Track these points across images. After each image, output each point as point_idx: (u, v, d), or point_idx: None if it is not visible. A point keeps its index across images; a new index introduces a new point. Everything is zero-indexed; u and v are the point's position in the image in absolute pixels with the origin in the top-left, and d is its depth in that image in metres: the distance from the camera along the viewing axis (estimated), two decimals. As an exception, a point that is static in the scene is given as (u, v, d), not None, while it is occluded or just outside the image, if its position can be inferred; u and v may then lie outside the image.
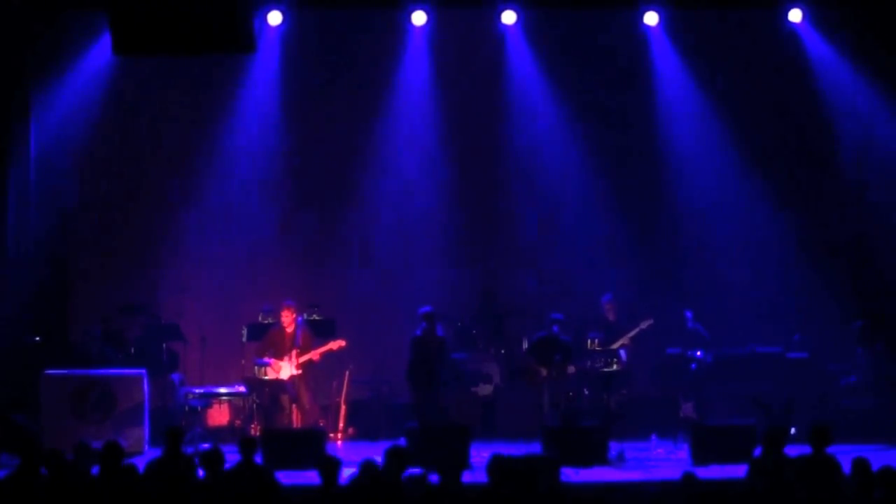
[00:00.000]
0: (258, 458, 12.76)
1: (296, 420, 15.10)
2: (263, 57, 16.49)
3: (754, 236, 17.26)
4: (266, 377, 15.13)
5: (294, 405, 15.12)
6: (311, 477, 9.86)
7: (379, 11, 16.72)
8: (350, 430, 15.76)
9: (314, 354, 15.23)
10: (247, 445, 10.34)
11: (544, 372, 15.12)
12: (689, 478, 9.48)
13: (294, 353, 15.16)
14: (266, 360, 15.19)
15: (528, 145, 17.37)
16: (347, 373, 15.87)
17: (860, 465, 9.52)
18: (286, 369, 15.12)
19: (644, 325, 15.76)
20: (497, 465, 9.42)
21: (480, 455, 13.25)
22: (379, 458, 9.68)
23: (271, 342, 15.33)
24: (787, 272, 17.06)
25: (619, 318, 16.00)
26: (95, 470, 9.97)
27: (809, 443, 10.51)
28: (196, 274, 16.90)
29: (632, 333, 15.76)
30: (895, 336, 15.89)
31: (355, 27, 16.76)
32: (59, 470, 9.64)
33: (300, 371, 15.17)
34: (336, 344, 15.20)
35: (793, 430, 11.41)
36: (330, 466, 9.64)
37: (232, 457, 10.27)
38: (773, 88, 17.07)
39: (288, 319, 15.27)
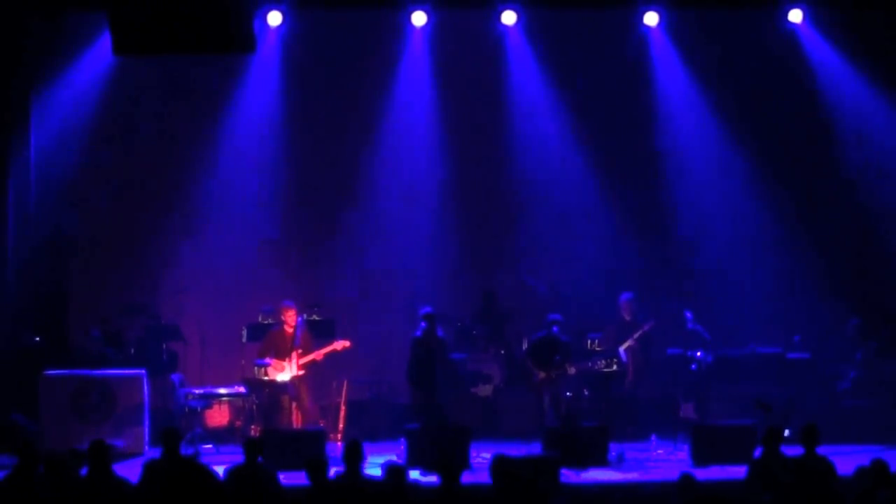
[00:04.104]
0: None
1: (296, 420, 15.10)
2: (263, 57, 16.48)
3: (754, 236, 17.27)
4: (266, 378, 15.13)
5: (294, 405, 15.12)
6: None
7: (379, 11, 16.71)
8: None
9: (317, 355, 15.22)
10: (251, 447, 10.35)
11: (542, 374, 15.11)
12: (686, 479, 9.48)
13: (296, 353, 15.16)
14: (267, 360, 15.18)
15: (529, 145, 17.37)
16: (347, 375, 15.90)
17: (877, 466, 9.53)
18: (288, 370, 15.11)
19: (647, 326, 15.80)
20: (500, 465, 9.43)
21: (480, 455, 13.28)
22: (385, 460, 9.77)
23: (272, 343, 15.32)
24: (787, 272, 17.07)
25: (635, 318, 16.00)
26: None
27: (800, 443, 10.54)
28: (196, 274, 16.89)
29: (635, 335, 15.79)
30: (889, 334, 15.92)
31: (355, 27, 16.76)
32: (56, 471, 9.64)
33: (303, 371, 15.17)
34: (340, 344, 15.19)
35: (787, 432, 11.41)
36: (317, 466, 9.66)
37: (233, 457, 10.29)
38: (772, 88, 17.06)
39: (290, 320, 15.26)
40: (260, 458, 10.29)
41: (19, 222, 15.96)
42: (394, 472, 9.71)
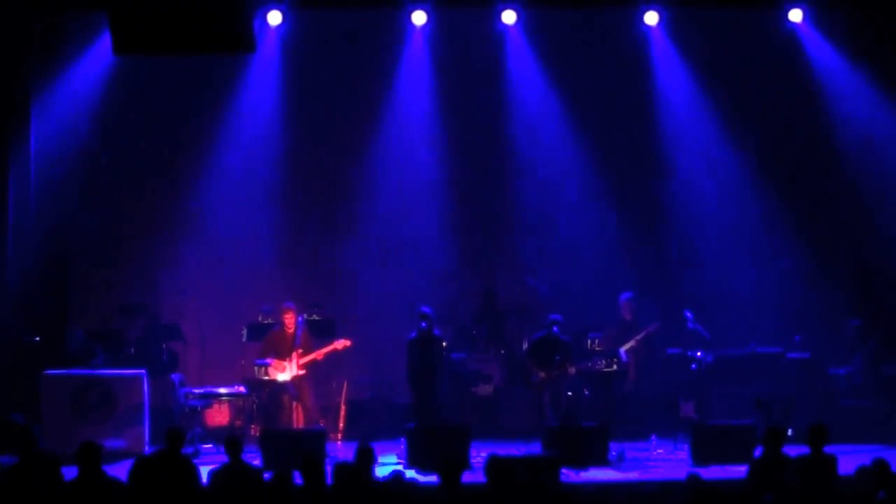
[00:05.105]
0: (256, 458, 12.83)
1: (297, 420, 15.10)
2: (263, 57, 16.48)
3: (754, 236, 17.27)
4: (266, 377, 15.14)
5: (296, 405, 15.13)
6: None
7: (379, 11, 16.71)
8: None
9: (318, 354, 15.23)
10: (232, 446, 10.33)
11: (542, 374, 15.12)
12: (693, 480, 9.46)
13: (297, 353, 15.16)
14: (268, 360, 15.19)
15: (529, 145, 17.37)
16: (347, 374, 15.91)
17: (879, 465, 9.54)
18: (289, 370, 15.11)
19: (651, 328, 15.83)
20: (493, 465, 9.42)
21: (480, 455, 13.28)
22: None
23: (272, 343, 15.32)
24: (787, 273, 17.06)
25: (635, 317, 16.01)
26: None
27: (808, 443, 10.54)
28: (196, 274, 16.90)
29: (639, 336, 15.82)
30: (889, 335, 15.93)
31: (355, 27, 16.75)
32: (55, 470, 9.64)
33: (303, 371, 15.17)
34: (341, 343, 15.20)
35: (789, 432, 11.42)
36: (312, 467, 9.63)
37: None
38: (772, 88, 17.06)
39: (290, 321, 15.27)
40: (258, 456, 10.27)
41: (19, 222, 15.94)
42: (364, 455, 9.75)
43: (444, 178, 17.29)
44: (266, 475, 10.41)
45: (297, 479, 9.58)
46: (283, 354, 15.20)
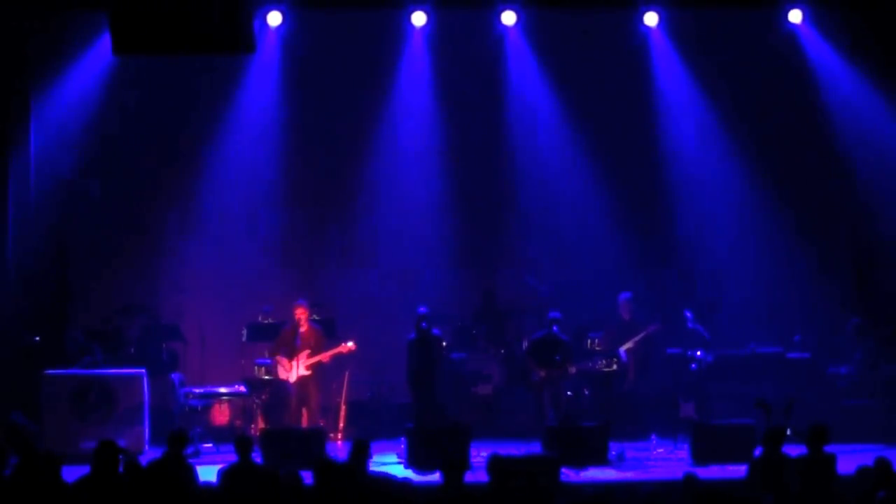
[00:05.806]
0: (257, 458, 12.83)
1: (303, 420, 15.09)
2: (263, 57, 16.47)
3: (754, 236, 17.28)
4: (267, 377, 15.14)
5: (301, 406, 15.13)
6: (311, 477, 9.87)
7: (379, 11, 16.71)
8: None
9: (324, 356, 15.23)
10: (242, 444, 10.33)
11: (542, 374, 15.13)
12: (690, 479, 9.47)
13: (305, 354, 15.15)
14: (271, 359, 15.19)
15: (528, 145, 17.38)
16: (347, 374, 15.91)
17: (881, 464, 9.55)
18: (296, 370, 15.11)
19: (651, 329, 15.83)
20: (496, 464, 9.43)
21: (480, 455, 13.28)
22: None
23: (281, 342, 15.31)
24: (787, 273, 17.07)
25: (633, 317, 16.01)
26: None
27: (807, 443, 10.54)
28: (196, 274, 16.90)
29: (638, 337, 15.81)
30: (889, 334, 15.93)
31: (355, 27, 16.75)
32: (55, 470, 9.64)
33: (308, 372, 15.16)
34: (346, 347, 15.20)
35: (789, 432, 11.42)
36: (323, 466, 9.63)
37: (233, 457, 10.29)
38: (772, 89, 17.07)
39: (302, 318, 15.25)
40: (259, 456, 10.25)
41: (19, 222, 15.95)
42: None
43: (443, 179, 17.29)
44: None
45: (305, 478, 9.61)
46: (292, 353, 15.21)
